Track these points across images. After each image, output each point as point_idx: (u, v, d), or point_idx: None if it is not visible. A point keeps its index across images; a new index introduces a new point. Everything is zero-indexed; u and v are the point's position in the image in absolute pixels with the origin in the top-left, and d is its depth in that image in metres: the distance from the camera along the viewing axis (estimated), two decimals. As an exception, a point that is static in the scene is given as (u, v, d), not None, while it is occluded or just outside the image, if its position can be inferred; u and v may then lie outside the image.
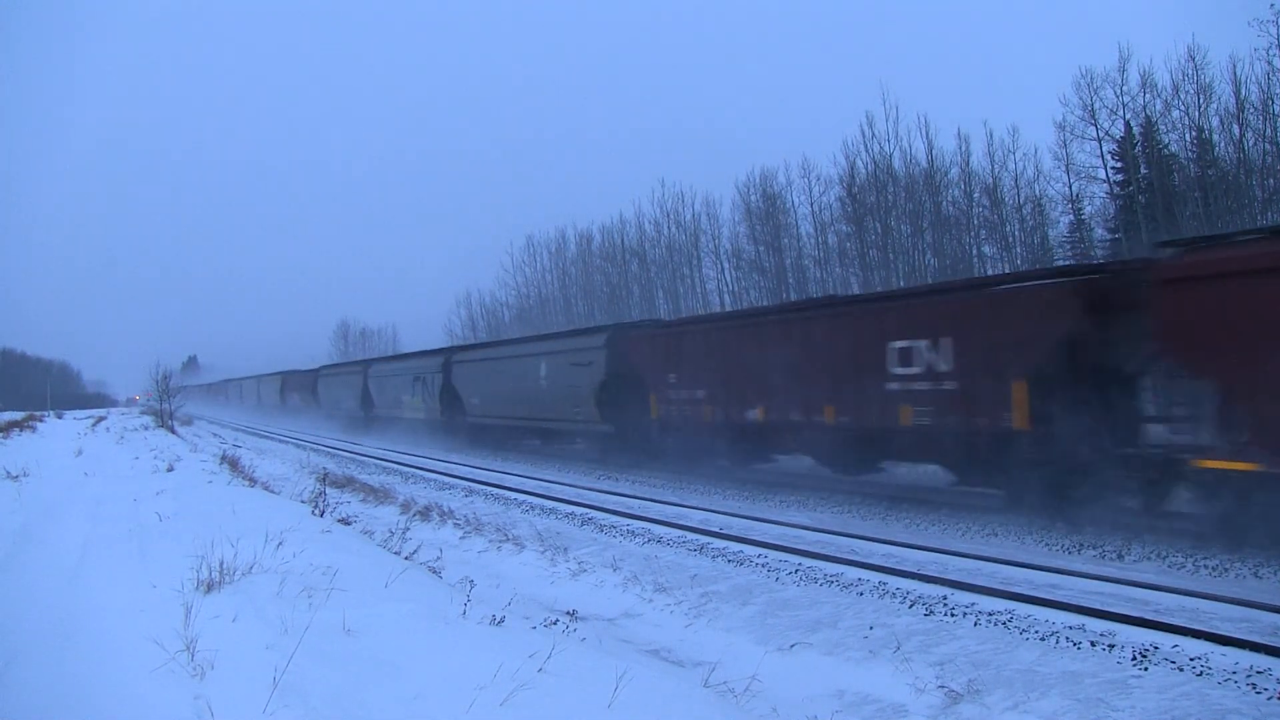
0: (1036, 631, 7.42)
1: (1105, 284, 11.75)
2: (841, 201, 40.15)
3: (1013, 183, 35.48)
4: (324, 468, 22.25)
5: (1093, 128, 32.14)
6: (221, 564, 7.16)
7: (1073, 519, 11.86)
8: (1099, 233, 34.64)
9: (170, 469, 19.41)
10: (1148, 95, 31.16)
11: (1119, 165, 32.66)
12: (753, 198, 44.40)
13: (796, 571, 10.00)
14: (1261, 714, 5.59)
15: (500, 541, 12.30)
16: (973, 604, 8.26)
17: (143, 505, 12.62)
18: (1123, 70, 31.19)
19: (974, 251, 36.66)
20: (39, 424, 50.40)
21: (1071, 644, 7.05)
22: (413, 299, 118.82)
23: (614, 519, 14.29)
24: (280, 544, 8.24)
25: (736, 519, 13.85)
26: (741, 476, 18.40)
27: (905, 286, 29.50)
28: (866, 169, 38.75)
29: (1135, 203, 31.77)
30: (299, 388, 56.51)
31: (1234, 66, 28.43)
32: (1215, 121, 29.69)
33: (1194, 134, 30.26)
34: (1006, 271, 29.91)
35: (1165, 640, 6.92)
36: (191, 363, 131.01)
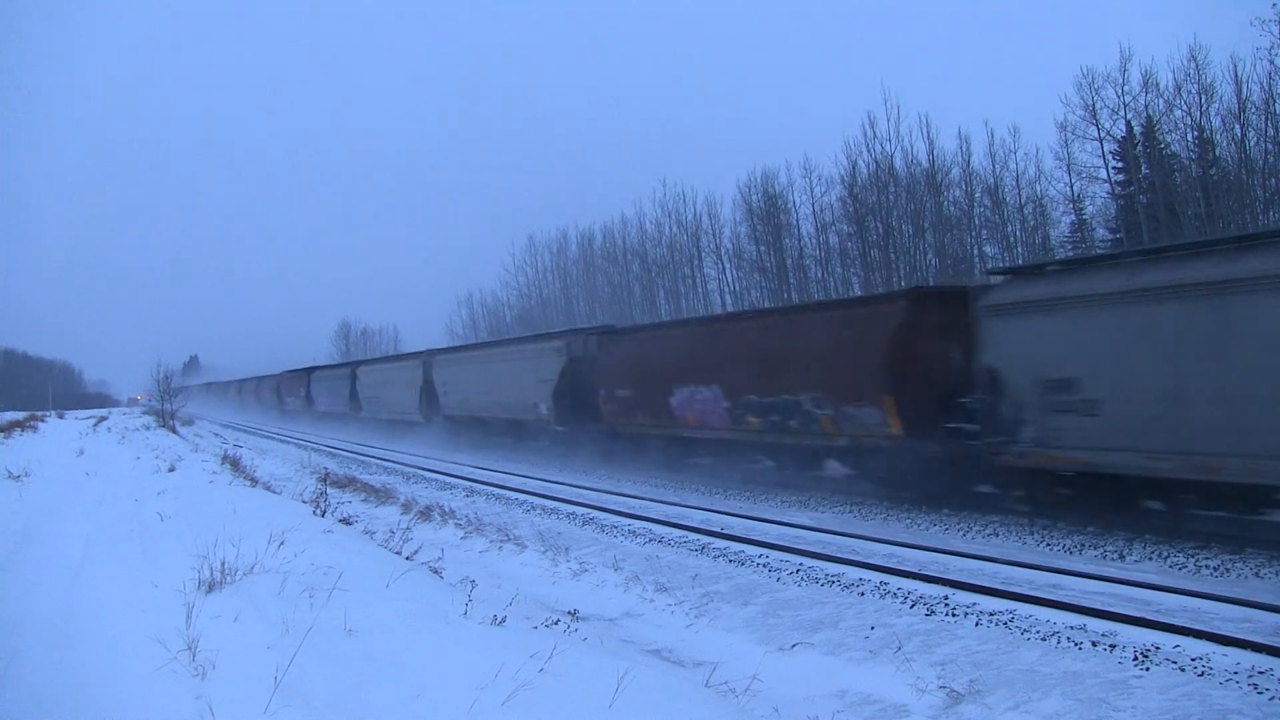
0: (1038, 632, 7.42)
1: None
2: (843, 201, 40.19)
3: (1014, 183, 35.57)
4: (325, 467, 22.26)
5: (1094, 127, 32.17)
6: (223, 564, 7.17)
7: None
8: (1100, 232, 34.67)
9: (173, 469, 19.43)
10: (1149, 95, 31.19)
11: (1120, 165, 32.66)
12: (754, 197, 44.47)
13: (798, 571, 10.00)
14: (1263, 714, 5.58)
15: (502, 542, 12.31)
16: (974, 604, 8.26)
17: (144, 505, 12.65)
18: (1124, 70, 31.21)
19: (975, 252, 36.68)
20: (40, 424, 50.44)
21: (1073, 644, 7.05)
22: (413, 299, 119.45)
23: (615, 519, 14.29)
24: (282, 544, 8.25)
25: (737, 519, 13.85)
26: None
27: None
28: (868, 169, 38.83)
29: (1136, 203, 31.78)
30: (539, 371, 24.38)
31: (1235, 66, 28.46)
32: (1217, 121, 29.72)
33: (1195, 134, 30.25)
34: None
35: (1167, 640, 6.91)
36: (193, 362, 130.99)
